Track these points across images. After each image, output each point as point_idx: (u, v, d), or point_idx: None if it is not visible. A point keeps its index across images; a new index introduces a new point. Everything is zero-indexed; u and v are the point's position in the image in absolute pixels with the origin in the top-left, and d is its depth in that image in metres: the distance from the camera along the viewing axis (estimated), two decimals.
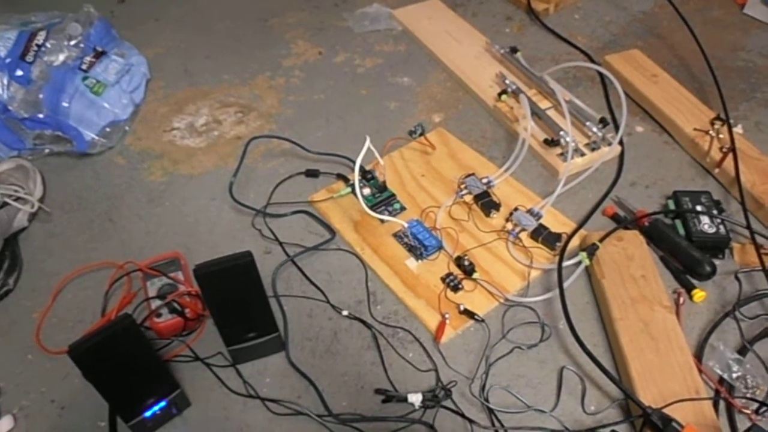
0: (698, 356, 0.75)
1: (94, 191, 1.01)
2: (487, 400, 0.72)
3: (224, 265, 0.67)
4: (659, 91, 1.10)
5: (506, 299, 0.82)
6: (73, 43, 1.12)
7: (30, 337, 0.80)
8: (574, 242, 0.88)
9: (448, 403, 0.72)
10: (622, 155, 1.02)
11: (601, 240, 0.84)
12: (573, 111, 1.05)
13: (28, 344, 0.79)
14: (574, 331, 0.75)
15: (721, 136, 0.98)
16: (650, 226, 0.88)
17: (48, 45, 1.10)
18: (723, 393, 0.71)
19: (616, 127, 1.05)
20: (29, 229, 0.95)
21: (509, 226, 0.90)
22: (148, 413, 0.69)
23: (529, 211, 0.91)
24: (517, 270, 0.85)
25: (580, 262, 0.83)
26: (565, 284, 0.80)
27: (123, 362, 0.64)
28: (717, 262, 0.84)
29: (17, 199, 0.93)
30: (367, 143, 0.84)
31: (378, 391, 0.73)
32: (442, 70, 1.23)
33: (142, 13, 1.43)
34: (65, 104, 1.04)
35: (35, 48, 1.09)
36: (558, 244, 0.87)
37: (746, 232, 0.86)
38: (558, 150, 1.00)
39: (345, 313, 0.81)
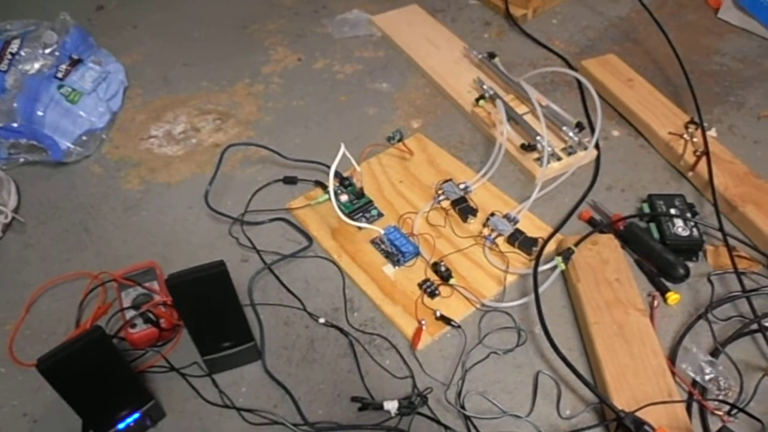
0: (672, 359, 0.76)
1: (69, 201, 1.00)
2: (463, 406, 0.72)
3: (197, 275, 0.66)
4: (635, 96, 1.11)
5: (483, 305, 0.82)
6: (48, 51, 1.11)
7: (2, 349, 0.79)
8: (550, 247, 0.88)
9: (424, 409, 0.72)
10: (598, 159, 1.03)
11: (577, 244, 0.85)
12: (549, 116, 1.05)
13: (0, 357, 0.78)
14: (549, 335, 0.75)
15: (695, 139, 0.99)
16: (625, 229, 0.89)
17: (23, 53, 1.09)
18: (696, 395, 0.72)
19: (593, 132, 1.05)
20: (3, 239, 0.94)
21: (486, 231, 0.90)
22: (121, 425, 0.68)
23: (506, 216, 0.91)
24: (493, 275, 0.85)
25: (555, 267, 0.83)
26: (541, 289, 0.81)
27: (94, 375, 0.63)
28: (690, 264, 0.85)
29: None
30: (342, 150, 0.84)
31: (354, 399, 0.73)
32: (421, 75, 1.24)
33: (120, 20, 1.42)
34: (40, 113, 1.03)
35: (9, 56, 1.08)
36: (534, 248, 0.87)
37: (719, 235, 0.87)
38: (535, 155, 1.01)
39: (322, 320, 0.81)
